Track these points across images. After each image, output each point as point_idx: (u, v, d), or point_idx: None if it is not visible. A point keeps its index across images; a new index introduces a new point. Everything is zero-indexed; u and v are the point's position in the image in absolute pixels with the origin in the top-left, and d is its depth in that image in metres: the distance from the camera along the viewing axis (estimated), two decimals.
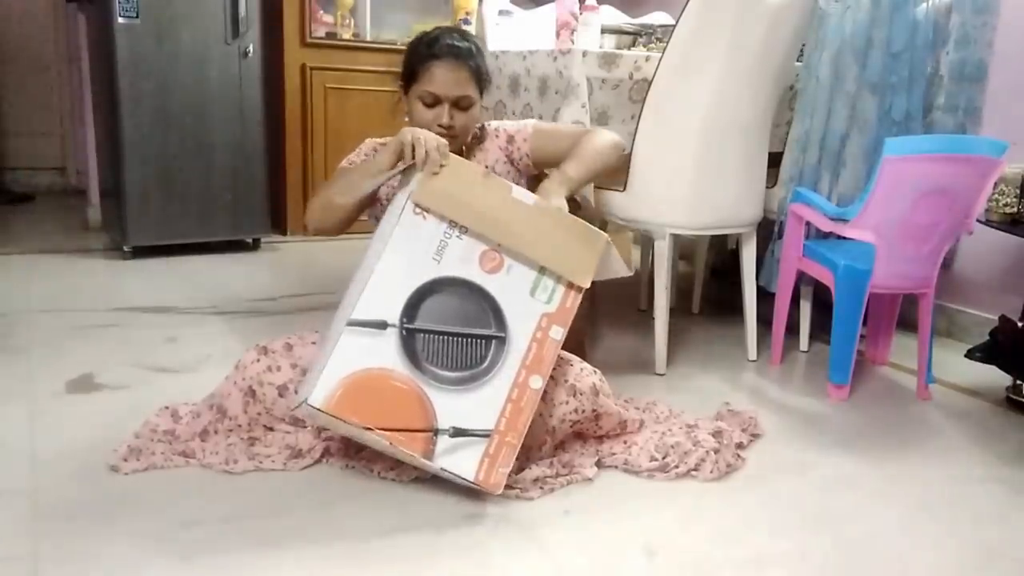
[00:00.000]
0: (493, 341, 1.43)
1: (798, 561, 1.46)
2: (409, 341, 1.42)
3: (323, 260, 3.47)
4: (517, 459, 1.65)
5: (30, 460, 1.64)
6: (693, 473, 1.71)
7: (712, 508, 1.62)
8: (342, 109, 3.76)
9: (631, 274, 1.70)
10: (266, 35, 3.46)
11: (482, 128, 1.89)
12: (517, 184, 1.73)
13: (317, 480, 1.61)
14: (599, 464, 1.72)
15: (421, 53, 1.75)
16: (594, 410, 1.71)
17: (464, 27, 2.80)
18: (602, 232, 1.58)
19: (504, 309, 1.46)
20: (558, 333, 1.46)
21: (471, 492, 1.58)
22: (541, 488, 1.60)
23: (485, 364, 1.42)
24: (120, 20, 3.12)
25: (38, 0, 4.55)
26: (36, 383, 2.03)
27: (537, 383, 1.42)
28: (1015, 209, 2.22)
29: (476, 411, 1.38)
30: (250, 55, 3.36)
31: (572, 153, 1.74)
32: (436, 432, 1.34)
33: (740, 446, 1.84)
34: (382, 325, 1.43)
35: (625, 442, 1.79)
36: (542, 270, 1.49)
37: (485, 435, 1.35)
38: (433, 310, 1.45)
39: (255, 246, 3.60)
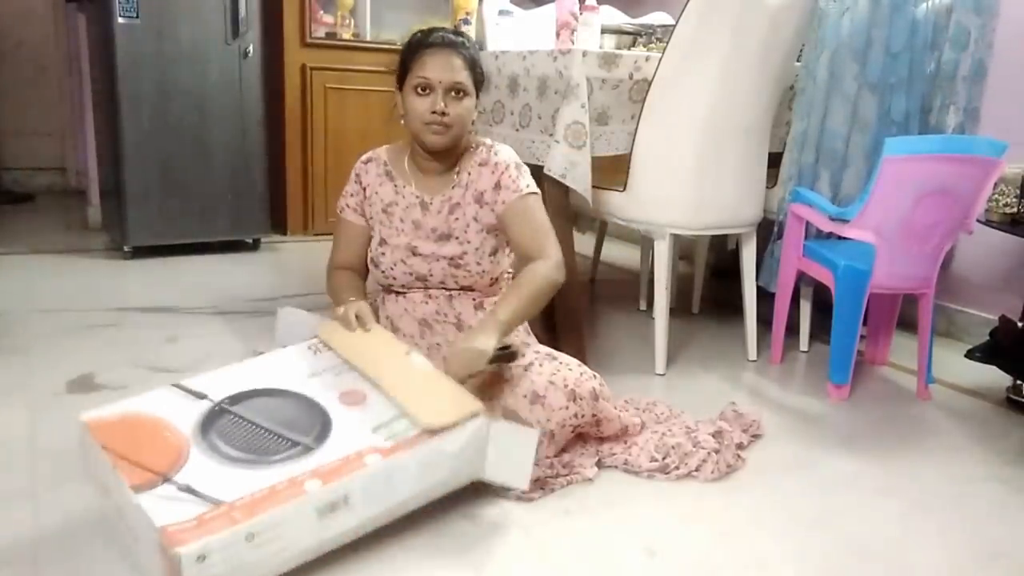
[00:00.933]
0: (299, 446, 1.31)
1: (798, 561, 1.46)
2: (214, 416, 1.37)
3: (323, 260, 3.45)
4: None
5: (30, 460, 1.64)
6: (694, 474, 1.71)
7: (712, 508, 1.62)
8: (342, 109, 3.76)
9: (539, 436, 1.47)
10: (266, 35, 3.46)
11: (488, 149, 1.84)
12: (474, 218, 1.78)
13: None
14: (599, 464, 1.72)
15: (414, 46, 1.75)
16: (594, 415, 1.71)
17: (464, 27, 2.79)
18: (477, 402, 1.45)
19: (334, 432, 1.36)
20: (373, 460, 1.31)
21: (471, 493, 1.58)
22: (541, 489, 1.60)
23: (276, 457, 1.29)
24: (120, 20, 3.12)
25: (38, 0, 4.55)
26: (36, 383, 2.03)
27: (313, 486, 1.23)
28: (1015, 209, 2.22)
29: (226, 482, 1.22)
30: (250, 55, 3.36)
31: (514, 291, 1.68)
32: (166, 479, 1.20)
33: (740, 446, 1.84)
34: (201, 396, 1.41)
35: (625, 442, 1.79)
36: (398, 417, 1.41)
37: (213, 502, 1.17)
38: (261, 406, 1.40)
39: (255, 246, 3.60)
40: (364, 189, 1.86)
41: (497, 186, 1.79)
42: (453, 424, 1.39)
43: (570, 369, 1.70)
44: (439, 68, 1.70)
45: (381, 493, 1.32)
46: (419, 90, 1.71)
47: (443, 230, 1.81)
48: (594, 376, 1.73)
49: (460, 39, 1.75)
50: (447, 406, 1.43)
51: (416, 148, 1.81)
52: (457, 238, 1.81)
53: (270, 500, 1.21)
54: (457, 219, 1.81)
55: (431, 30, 1.76)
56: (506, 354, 1.62)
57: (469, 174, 1.82)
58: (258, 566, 1.20)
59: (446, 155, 1.80)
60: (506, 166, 1.80)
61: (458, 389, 1.49)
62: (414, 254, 1.81)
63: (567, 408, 1.65)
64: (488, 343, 1.56)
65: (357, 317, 1.64)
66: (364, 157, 1.90)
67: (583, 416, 1.68)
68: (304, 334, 1.65)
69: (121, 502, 1.24)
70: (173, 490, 1.20)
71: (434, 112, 1.69)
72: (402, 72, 1.77)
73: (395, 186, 1.84)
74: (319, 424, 1.37)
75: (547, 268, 1.72)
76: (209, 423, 1.36)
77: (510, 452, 1.44)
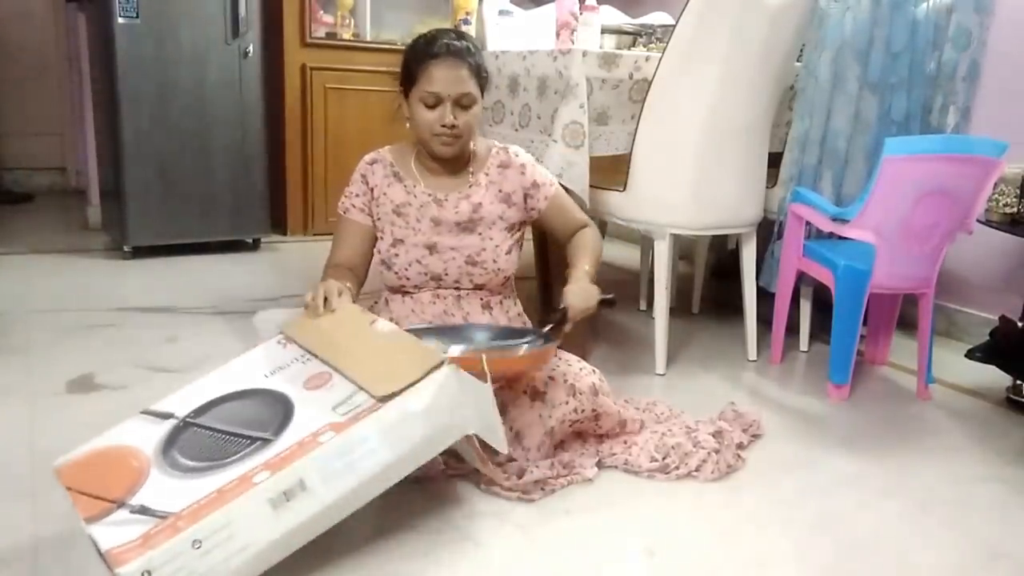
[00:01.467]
0: (257, 442, 1.27)
1: (798, 561, 1.46)
2: (178, 432, 1.35)
3: (323, 260, 3.45)
4: (516, 461, 1.65)
5: (30, 460, 1.64)
6: (694, 474, 1.71)
7: (712, 508, 1.62)
8: (342, 109, 3.76)
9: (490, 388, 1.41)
10: (266, 35, 3.46)
11: (505, 151, 1.87)
12: (500, 216, 1.83)
13: None
14: (599, 464, 1.72)
15: (419, 54, 1.73)
16: (593, 410, 1.71)
17: (464, 27, 2.80)
18: (439, 353, 1.38)
19: (294, 420, 1.31)
20: (327, 438, 1.25)
21: (470, 492, 1.59)
22: (543, 489, 1.60)
23: (232, 458, 1.25)
24: (120, 20, 3.12)
25: (38, 0, 4.55)
26: (36, 383, 2.03)
27: (262, 477, 1.19)
28: (1015, 209, 2.22)
29: (178, 494, 1.20)
30: (250, 55, 3.36)
31: (583, 250, 1.85)
32: (121, 505, 1.19)
33: (740, 446, 1.84)
34: (168, 416, 1.39)
35: (625, 442, 1.79)
36: (358, 390, 1.35)
37: (162, 517, 1.15)
38: (225, 412, 1.37)
39: (255, 246, 3.60)
40: (372, 190, 1.85)
41: (534, 185, 1.86)
42: (407, 384, 1.32)
43: (569, 364, 1.71)
44: (447, 81, 1.70)
45: (342, 471, 1.25)
46: (427, 103, 1.72)
47: (465, 224, 1.82)
48: (593, 371, 1.73)
49: (464, 45, 1.74)
50: (403, 367, 1.35)
51: (422, 151, 1.83)
52: (480, 234, 1.82)
53: (217, 502, 1.17)
54: (482, 218, 1.82)
55: (435, 36, 1.75)
56: (608, 298, 1.80)
57: (487, 174, 1.84)
58: (217, 571, 1.15)
59: (455, 158, 1.81)
60: (532, 165, 1.88)
61: (418, 347, 1.42)
62: (432, 252, 1.81)
63: (567, 403, 1.65)
64: (591, 287, 1.75)
65: (325, 299, 1.60)
66: (368, 158, 1.89)
67: (583, 411, 1.68)
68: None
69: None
70: (126, 514, 1.18)
71: (444, 125, 1.71)
72: (406, 78, 1.76)
73: (404, 186, 1.84)
74: (281, 415, 1.33)
75: (594, 232, 1.91)
76: (172, 440, 1.33)
77: (479, 407, 1.37)
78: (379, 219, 1.85)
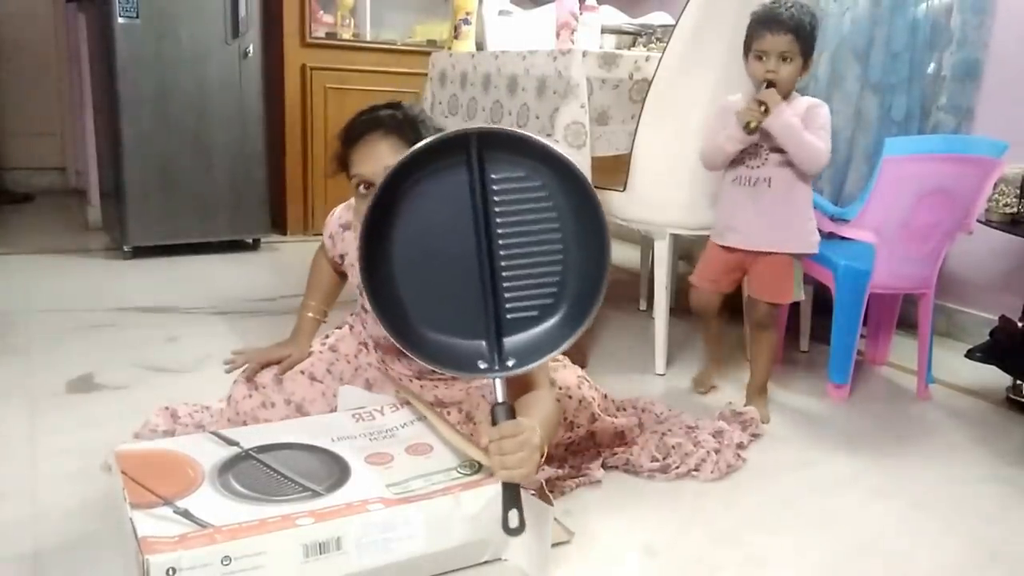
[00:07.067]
0: (308, 492, 1.31)
1: (798, 561, 1.46)
2: (237, 459, 1.40)
3: None
4: None
5: (30, 460, 1.64)
6: (694, 473, 1.71)
7: (712, 508, 1.62)
8: (342, 109, 3.75)
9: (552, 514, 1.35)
10: (266, 35, 3.47)
11: None
12: None
13: None
14: (603, 465, 1.72)
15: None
16: (590, 431, 1.70)
17: (464, 27, 2.77)
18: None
19: (348, 485, 1.34)
20: (374, 508, 1.27)
21: None
22: (551, 491, 1.58)
23: (280, 498, 1.29)
24: (120, 20, 3.12)
25: (38, 0, 4.55)
26: (36, 383, 2.03)
27: (304, 522, 1.21)
28: (1015, 209, 2.22)
29: (222, 511, 1.24)
30: (250, 55, 3.36)
31: (535, 409, 1.40)
32: (167, 503, 1.24)
33: (741, 446, 1.84)
34: (234, 443, 1.45)
35: (626, 443, 1.79)
36: (415, 477, 1.37)
37: (201, 525, 1.19)
38: (286, 457, 1.42)
39: (255, 246, 3.60)
40: (341, 257, 1.71)
41: None
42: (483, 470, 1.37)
43: (569, 397, 1.63)
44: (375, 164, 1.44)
45: (379, 545, 1.26)
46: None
47: None
48: (593, 399, 1.67)
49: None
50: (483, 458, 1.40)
51: None
52: None
53: (257, 529, 1.20)
54: None
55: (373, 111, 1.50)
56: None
57: None
58: None
59: None
60: None
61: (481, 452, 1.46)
62: None
63: (563, 435, 1.64)
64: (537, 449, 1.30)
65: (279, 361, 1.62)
66: (342, 220, 1.69)
67: (579, 434, 1.67)
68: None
69: (126, 522, 1.24)
70: (169, 512, 1.22)
71: None
72: None
73: None
74: (336, 476, 1.37)
75: (552, 398, 1.50)
76: (230, 465, 1.38)
77: (529, 529, 1.33)
78: (353, 265, 1.68)
